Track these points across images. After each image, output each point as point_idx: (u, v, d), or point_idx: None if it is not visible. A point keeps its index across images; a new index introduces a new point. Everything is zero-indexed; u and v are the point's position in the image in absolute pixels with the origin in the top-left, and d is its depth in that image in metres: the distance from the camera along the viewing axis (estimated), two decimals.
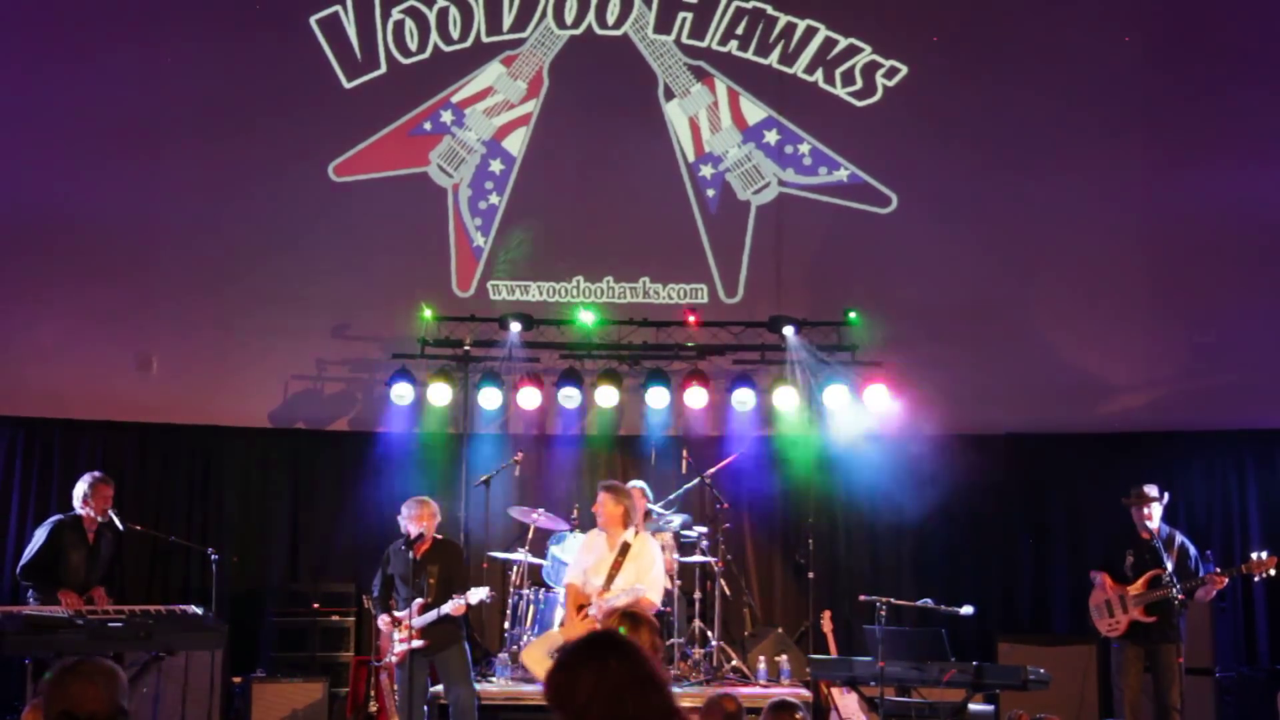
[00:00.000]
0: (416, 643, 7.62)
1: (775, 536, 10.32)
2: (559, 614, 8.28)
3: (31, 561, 8.04)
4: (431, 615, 7.63)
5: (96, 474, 8.29)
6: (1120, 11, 10.50)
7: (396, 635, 7.73)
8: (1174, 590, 7.71)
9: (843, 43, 10.57)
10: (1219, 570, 7.93)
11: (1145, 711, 8.09)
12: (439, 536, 8.06)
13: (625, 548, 7.49)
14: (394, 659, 7.77)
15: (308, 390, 10.31)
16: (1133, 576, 8.02)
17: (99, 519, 8.14)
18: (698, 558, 9.17)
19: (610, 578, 7.47)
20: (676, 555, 9.06)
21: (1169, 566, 7.79)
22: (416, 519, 7.87)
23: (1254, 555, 7.88)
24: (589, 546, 7.69)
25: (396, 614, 7.80)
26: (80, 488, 8.18)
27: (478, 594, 7.66)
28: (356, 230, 10.35)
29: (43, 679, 3.70)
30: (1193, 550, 8.08)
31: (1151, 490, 8.08)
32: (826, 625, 8.82)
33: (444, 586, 7.74)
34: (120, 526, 8.21)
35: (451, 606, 7.58)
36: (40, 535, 8.15)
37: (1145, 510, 8.03)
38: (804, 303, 10.21)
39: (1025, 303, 10.38)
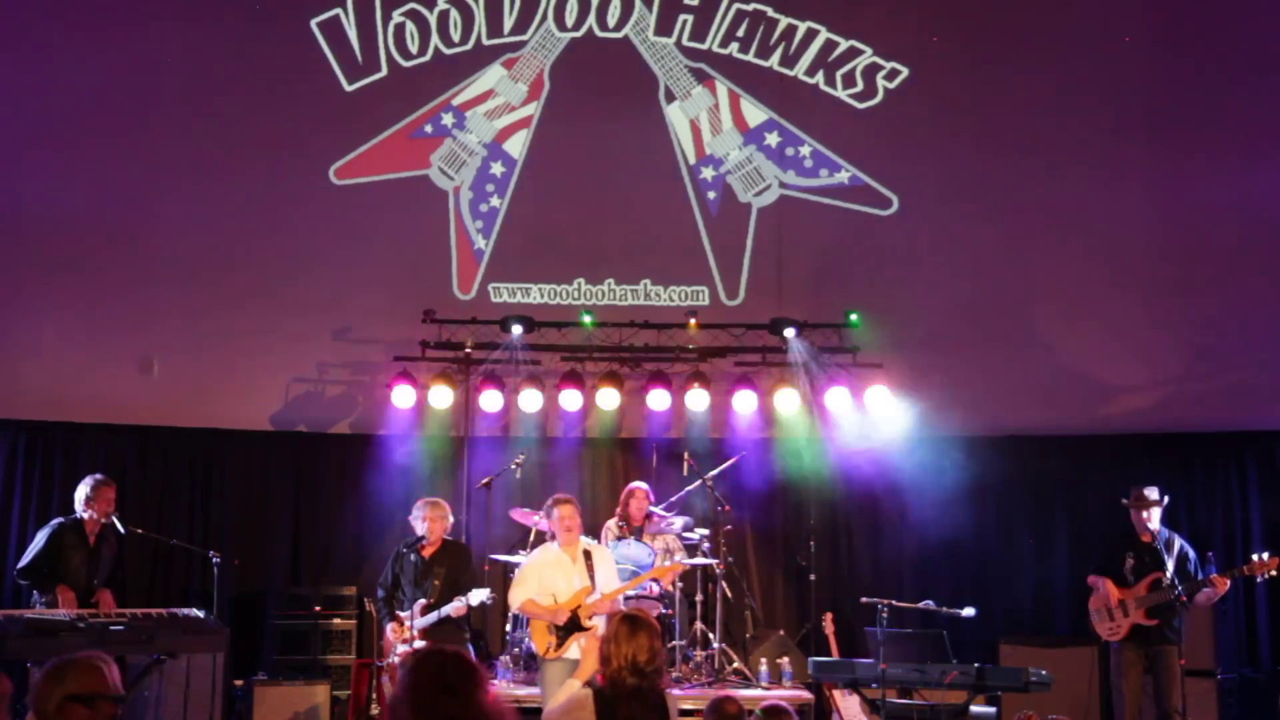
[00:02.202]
0: (418, 644, 7.63)
1: (776, 538, 10.33)
2: None
3: (29, 564, 8.02)
4: (433, 617, 7.64)
5: (98, 476, 8.26)
6: (1121, 12, 10.49)
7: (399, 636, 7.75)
8: (1175, 592, 7.71)
9: (843, 45, 10.57)
10: (1220, 573, 7.92)
11: (1146, 714, 8.08)
12: (448, 539, 8.06)
13: (588, 554, 7.54)
14: (396, 659, 7.78)
15: (309, 393, 10.32)
16: (1133, 579, 8.00)
17: (101, 521, 8.12)
18: (699, 560, 9.16)
19: (592, 582, 7.54)
20: (680, 557, 9.05)
21: (1170, 569, 7.79)
22: (422, 519, 7.91)
23: (1255, 556, 7.86)
24: (556, 564, 7.58)
25: (400, 614, 7.81)
26: (82, 490, 8.15)
27: (478, 595, 7.66)
28: (357, 233, 10.36)
29: (34, 680, 3.72)
30: (1192, 554, 8.05)
31: (1151, 493, 8.06)
32: (828, 627, 8.81)
33: (449, 589, 7.74)
34: (122, 530, 8.19)
35: (452, 608, 7.60)
36: (40, 537, 8.13)
37: (1145, 513, 8.00)
38: (805, 305, 10.21)
39: (1026, 304, 10.38)
